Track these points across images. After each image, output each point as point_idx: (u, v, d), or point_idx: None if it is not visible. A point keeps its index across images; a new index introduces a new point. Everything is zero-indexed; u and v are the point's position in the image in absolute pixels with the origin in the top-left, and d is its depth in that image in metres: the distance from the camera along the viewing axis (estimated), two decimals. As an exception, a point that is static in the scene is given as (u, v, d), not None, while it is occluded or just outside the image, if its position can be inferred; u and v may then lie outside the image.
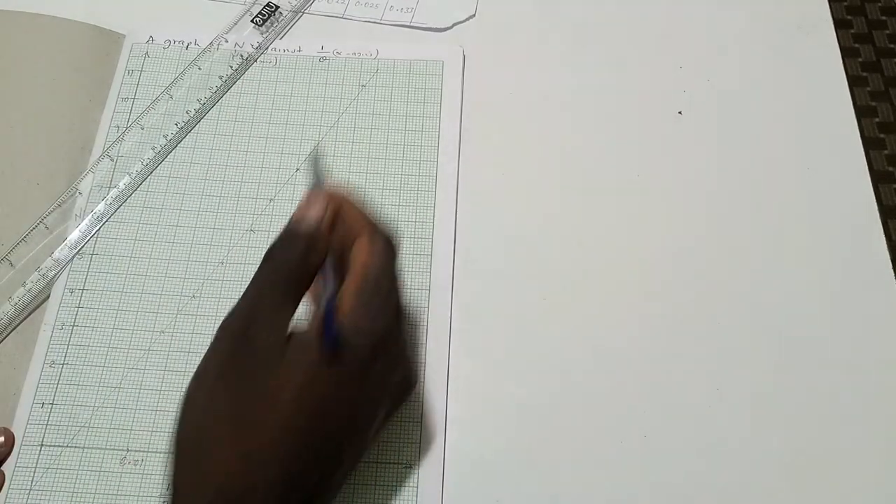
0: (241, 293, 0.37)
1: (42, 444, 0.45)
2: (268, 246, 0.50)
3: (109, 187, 0.52)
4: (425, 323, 0.48)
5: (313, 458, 0.35)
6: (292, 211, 0.50)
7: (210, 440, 0.34)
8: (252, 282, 0.37)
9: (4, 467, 0.44)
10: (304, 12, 0.59)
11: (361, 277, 0.37)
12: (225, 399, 0.35)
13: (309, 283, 0.38)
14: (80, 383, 0.47)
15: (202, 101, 0.55)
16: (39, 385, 0.47)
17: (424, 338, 0.48)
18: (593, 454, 0.45)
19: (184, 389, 0.46)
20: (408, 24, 0.59)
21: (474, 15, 0.60)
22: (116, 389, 0.46)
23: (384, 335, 0.37)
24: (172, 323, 0.48)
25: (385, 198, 0.52)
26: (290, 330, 0.36)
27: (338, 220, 0.39)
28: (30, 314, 0.49)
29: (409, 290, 0.49)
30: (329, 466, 0.36)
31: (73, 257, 0.50)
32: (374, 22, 0.59)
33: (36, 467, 0.44)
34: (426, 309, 0.48)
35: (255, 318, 0.36)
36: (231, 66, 0.56)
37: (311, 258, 0.38)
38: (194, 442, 0.35)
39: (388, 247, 0.39)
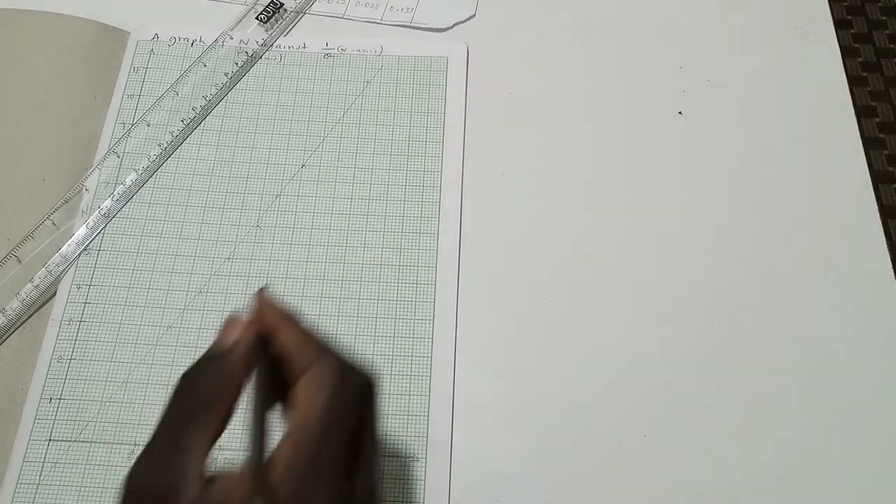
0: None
1: (50, 440, 0.45)
2: (273, 241, 0.51)
3: (116, 184, 0.52)
4: (431, 318, 0.48)
5: None
6: (298, 207, 0.52)
7: None
8: (158, 423, 0.31)
9: (12, 457, 0.44)
10: (304, 13, 0.59)
11: (299, 434, 0.29)
12: None
13: (218, 420, 0.31)
14: (88, 378, 0.47)
15: (208, 98, 0.55)
16: (47, 380, 0.47)
17: (431, 332, 0.48)
18: (593, 454, 0.46)
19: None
20: (408, 24, 0.59)
21: (474, 15, 0.60)
22: (124, 384, 0.47)
23: None
24: (179, 318, 0.49)
25: (389, 193, 0.52)
26: (210, 472, 0.30)
27: (275, 347, 0.32)
28: (37, 310, 0.49)
29: (415, 287, 0.49)
30: None
31: (80, 253, 0.50)
32: (375, 22, 0.59)
33: (44, 462, 0.45)
34: (432, 304, 0.49)
35: (153, 468, 0.30)
36: (236, 63, 0.56)
37: (216, 389, 0.31)
38: None
39: (343, 386, 0.31)
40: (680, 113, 0.56)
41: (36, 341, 0.48)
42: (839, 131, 0.55)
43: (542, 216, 0.52)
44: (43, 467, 0.45)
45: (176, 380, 0.32)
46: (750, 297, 0.50)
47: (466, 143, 0.54)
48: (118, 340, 0.48)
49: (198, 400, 0.31)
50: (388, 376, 0.47)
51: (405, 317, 0.49)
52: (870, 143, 0.54)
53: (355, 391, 0.31)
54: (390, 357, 0.47)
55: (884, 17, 0.59)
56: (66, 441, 0.45)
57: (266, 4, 0.58)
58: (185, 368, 0.32)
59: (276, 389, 0.32)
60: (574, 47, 0.59)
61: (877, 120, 0.55)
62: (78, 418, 0.46)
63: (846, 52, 0.58)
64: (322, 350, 0.31)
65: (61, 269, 0.49)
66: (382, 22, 0.59)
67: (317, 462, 0.29)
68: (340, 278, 0.50)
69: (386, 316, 0.49)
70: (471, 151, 0.54)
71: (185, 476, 0.29)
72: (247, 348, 0.32)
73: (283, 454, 0.29)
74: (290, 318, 0.33)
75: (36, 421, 0.46)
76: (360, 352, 0.47)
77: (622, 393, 0.47)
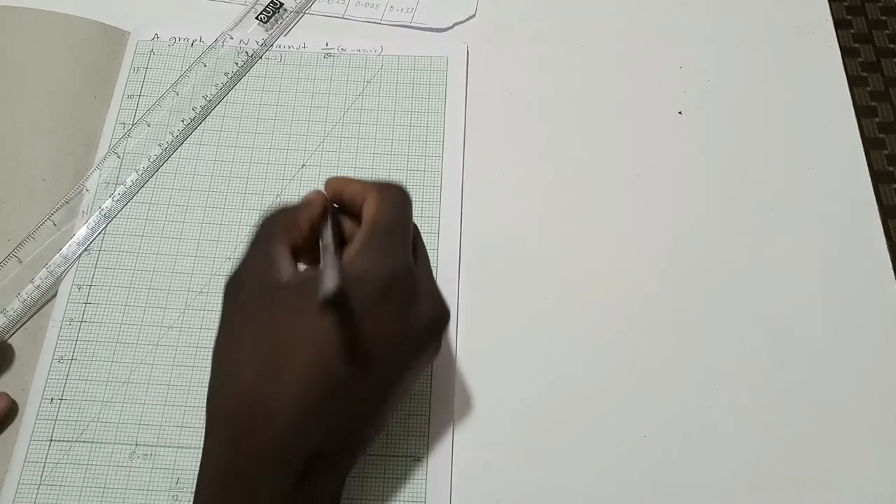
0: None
1: (51, 440, 0.45)
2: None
3: (116, 184, 0.52)
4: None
5: (320, 403, 0.35)
6: (298, 207, 0.52)
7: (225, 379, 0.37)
8: (248, 245, 0.39)
9: (14, 457, 0.45)
10: (304, 13, 0.59)
11: (370, 225, 0.38)
12: (229, 342, 0.38)
13: (304, 232, 0.39)
14: (89, 378, 0.47)
15: (208, 98, 0.55)
16: (48, 381, 0.47)
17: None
18: (593, 453, 0.46)
19: (192, 383, 0.47)
20: (408, 24, 0.59)
21: (474, 15, 0.60)
22: (125, 384, 0.47)
23: (397, 274, 0.37)
24: (180, 318, 0.49)
25: (390, 195, 0.52)
26: (294, 270, 0.38)
27: (347, 196, 0.41)
28: (38, 310, 0.49)
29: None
30: (349, 410, 0.36)
31: (81, 254, 0.50)
32: (375, 22, 0.59)
33: (45, 462, 0.45)
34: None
35: (248, 264, 0.39)
36: (236, 63, 0.56)
37: (301, 210, 0.40)
38: (216, 382, 0.38)
39: (397, 195, 0.40)
40: (680, 113, 0.56)
41: (37, 342, 0.48)
42: (839, 131, 0.55)
43: (541, 216, 0.52)
44: (44, 468, 0.45)
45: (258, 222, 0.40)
46: (750, 297, 0.50)
47: (466, 143, 0.54)
48: (119, 341, 0.48)
49: (279, 223, 0.39)
50: (389, 376, 0.47)
51: (406, 317, 0.48)
52: (870, 143, 0.54)
53: (405, 200, 0.40)
54: (391, 357, 0.47)
55: (884, 17, 0.60)
56: (68, 441, 0.45)
57: (266, 4, 0.58)
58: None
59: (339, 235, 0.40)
60: (574, 47, 0.59)
61: (877, 120, 0.55)
62: (79, 418, 0.46)
63: (846, 52, 0.58)
64: (380, 183, 0.40)
65: (62, 269, 0.49)
66: (382, 22, 0.59)
67: (384, 244, 0.37)
68: (341, 278, 0.50)
69: (386, 316, 0.48)
70: (471, 151, 0.54)
71: (276, 263, 0.37)
72: (321, 197, 0.41)
73: (358, 240, 0.37)
74: (350, 178, 0.41)
75: (37, 421, 0.46)
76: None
77: (622, 393, 0.47)
